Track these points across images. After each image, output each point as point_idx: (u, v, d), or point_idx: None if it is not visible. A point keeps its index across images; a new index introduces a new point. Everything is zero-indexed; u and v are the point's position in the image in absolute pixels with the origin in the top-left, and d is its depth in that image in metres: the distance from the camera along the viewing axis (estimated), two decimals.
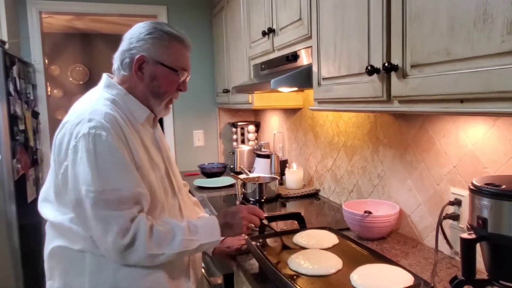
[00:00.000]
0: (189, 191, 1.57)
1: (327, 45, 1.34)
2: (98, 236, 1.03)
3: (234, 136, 3.21)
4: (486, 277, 0.86)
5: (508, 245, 0.78)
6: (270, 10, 1.84)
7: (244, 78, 2.37)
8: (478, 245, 0.83)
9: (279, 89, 1.78)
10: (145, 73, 1.15)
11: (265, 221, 1.30)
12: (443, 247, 1.30)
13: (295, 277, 1.07)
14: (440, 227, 1.26)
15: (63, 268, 1.11)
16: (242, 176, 2.22)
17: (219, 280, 1.53)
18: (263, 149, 2.70)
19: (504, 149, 1.09)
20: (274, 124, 2.90)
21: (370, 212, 1.43)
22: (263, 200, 2.08)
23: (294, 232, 1.39)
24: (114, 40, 1.23)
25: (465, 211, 1.22)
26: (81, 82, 5.73)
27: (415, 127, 1.43)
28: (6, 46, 2.44)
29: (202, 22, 3.27)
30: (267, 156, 2.55)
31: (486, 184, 0.81)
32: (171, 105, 1.27)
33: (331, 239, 1.31)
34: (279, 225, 1.60)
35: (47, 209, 1.13)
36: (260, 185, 2.10)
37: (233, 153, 2.99)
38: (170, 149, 1.37)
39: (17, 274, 2.41)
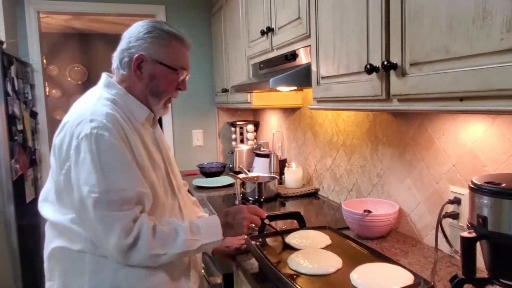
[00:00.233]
0: (188, 191, 1.57)
1: (326, 44, 1.34)
2: (101, 237, 1.02)
3: (233, 136, 3.21)
4: (486, 276, 0.86)
5: (508, 244, 0.78)
6: (269, 9, 1.83)
7: (243, 77, 2.36)
8: (478, 244, 0.83)
9: (278, 88, 1.78)
10: (144, 72, 1.15)
11: (266, 221, 1.30)
12: (442, 245, 1.29)
13: (295, 276, 1.07)
14: (439, 225, 1.26)
15: (62, 269, 1.11)
16: (241, 176, 2.21)
17: (219, 280, 1.53)
18: (262, 149, 2.70)
19: (504, 147, 1.08)
20: (273, 123, 2.89)
21: (369, 211, 1.43)
22: (262, 200, 2.08)
23: (293, 231, 1.39)
24: (112, 40, 1.22)
25: (464, 210, 1.22)
26: (80, 82, 5.72)
27: (414, 126, 1.43)
28: (4, 46, 2.43)
29: (201, 21, 3.27)
30: (266, 156, 2.55)
31: (486, 182, 0.81)
32: (169, 105, 1.26)
33: (324, 239, 1.30)
34: (278, 225, 1.59)
35: (48, 209, 1.13)
36: (259, 184, 2.10)
37: (232, 152, 2.99)
38: (170, 148, 1.37)
39: (16, 275, 2.40)
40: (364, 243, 1.28)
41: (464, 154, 1.22)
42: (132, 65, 1.13)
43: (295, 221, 1.48)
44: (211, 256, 1.46)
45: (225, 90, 2.84)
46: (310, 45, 1.47)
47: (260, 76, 2.02)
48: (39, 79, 3.00)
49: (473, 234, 0.81)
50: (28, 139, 2.71)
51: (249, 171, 2.41)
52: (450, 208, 1.27)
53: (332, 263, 1.13)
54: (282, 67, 1.76)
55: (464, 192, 1.21)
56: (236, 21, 2.46)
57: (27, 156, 2.68)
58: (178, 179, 1.30)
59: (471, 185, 0.83)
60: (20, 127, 2.54)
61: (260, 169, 2.52)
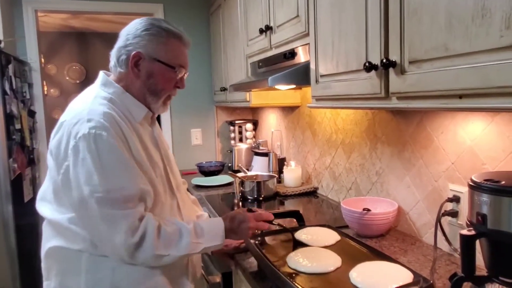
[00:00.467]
0: (187, 190, 1.56)
1: (325, 42, 1.33)
2: (104, 236, 1.02)
3: (232, 135, 3.20)
4: (485, 274, 0.86)
5: (508, 241, 0.78)
6: (267, 8, 1.83)
7: (241, 76, 2.36)
8: (477, 242, 0.83)
9: (277, 86, 1.78)
10: (142, 70, 1.14)
11: (275, 222, 1.30)
12: (442, 244, 1.29)
13: (294, 275, 1.07)
14: (439, 223, 1.26)
15: (59, 268, 1.10)
16: (240, 175, 2.21)
17: (218, 279, 1.53)
18: (261, 147, 2.70)
19: (503, 145, 1.08)
20: (272, 122, 2.89)
21: (368, 210, 1.43)
22: (261, 198, 2.07)
23: (292, 230, 1.39)
24: (110, 39, 1.21)
25: (463, 208, 1.22)
26: (78, 81, 5.71)
27: (413, 124, 1.43)
28: (2, 45, 2.42)
29: (199, 20, 3.26)
30: (265, 154, 2.54)
31: (485, 180, 0.80)
32: (169, 102, 1.25)
33: (333, 236, 1.31)
34: (278, 222, 1.59)
35: (46, 208, 1.12)
36: (258, 183, 2.10)
37: (231, 151, 2.99)
38: (169, 147, 1.36)
39: (14, 274, 2.39)
40: (363, 242, 1.28)
41: (463, 152, 1.21)
42: (130, 62, 1.12)
43: (294, 220, 1.48)
44: (210, 255, 1.46)
45: (223, 89, 2.84)
46: (308, 43, 1.46)
47: (258, 75, 2.02)
48: (37, 78, 2.99)
49: (473, 232, 0.81)
50: (26, 138, 2.71)
51: (248, 170, 2.41)
52: (449, 206, 1.26)
53: (331, 261, 1.12)
54: (281, 65, 1.75)
55: (463, 190, 1.21)
56: (234, 20, 2.46)
57: (25, 155, 2.67)
58: (177, 178, 1.29)
59: (471, 183, 0.83)
60: (18, 126, 2.53)
61: (259, 168, 2.52)
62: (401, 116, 1.50)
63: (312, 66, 1.43)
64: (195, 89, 3.27)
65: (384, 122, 1.60)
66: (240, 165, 2.50)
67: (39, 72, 3.00)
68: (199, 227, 1.14)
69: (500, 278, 0.83)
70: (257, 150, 2.66)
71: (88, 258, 1.06)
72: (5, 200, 2.33)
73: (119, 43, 1.15)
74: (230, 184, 2.50)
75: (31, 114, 2.90)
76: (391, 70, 0.99)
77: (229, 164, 3.02)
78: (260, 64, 2.03)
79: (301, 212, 1.48)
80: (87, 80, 5.56)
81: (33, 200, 1.18)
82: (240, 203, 2.07)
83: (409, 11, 0.92)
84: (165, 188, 1.19)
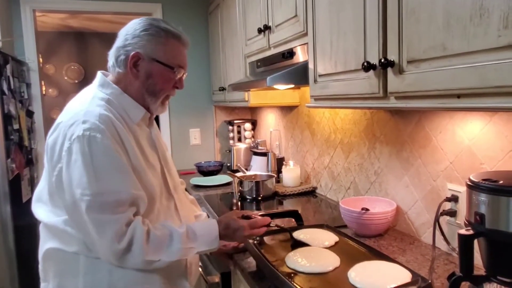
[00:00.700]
0: (186, 190, 1.56)
1: (323, 41, 1.33)
2: (95, 239, 1.01)
3: (231, 134, 3.20)
4: (483, 273, 0.86)
5: (506, 241, 0.78)
6: (266, 7, 1.83)
7: (240, 75, 2.36)
8: (475, 241, 0.83)
9: (275, 86, 1.78)
10: (141, 70, 1.13)
11: (273, 223, 1.30)
12: (440, 243, 1.30)
13: (292, 275, 1.07)
14: (437, 223, 1.26)
15: (57, 270, 1.10)
16: (239, 174, 2.21)
17: (216, 279, 1.52)
18: (259, 147, 2.69)
19: (501, 145, 1.08)
20: (270, 121, 2.89)
21: (367, 209, 1.43)
22: (260, 198, 2.07)
23: (291, 229, 1.39)
24: (109, 39, 1.21)
25: (462, 207, 1.22)
26: (76, 81, 5.70)
27: (411, 124, 1.43)
28: (0, 45, 2.41)
29: (198, 20, 3.26)
30: (264, 154, 2.54)
31: (483, 179, 0.80)
32: (167, 102, 1.25)
33: (331, 237, 1.31)
34: (276, 223, 1.59)
35: (41, 210, 1.12)
36: (257, 183, 2.09)
37: (230, 151, 2.99)
38: (167, 148, 1.36)
39: (12, 275, 2.39)
40: (361, 241, 1.28)
41: (462, 152, 1.22)
42: (128, 63, 1.12)
43: (293, 220, 1.48)
44: (209, 255, 1.45)
45: (222, 89, 2.83)
46: (307, 43, 1.46)
47: (257, 75, 2.02)
48: (35, 78, 2.98)
49: (471, 232, 0.81)
50: (24, 138, 2.70)
51: (246, 169, 2.41)
52: (448, 205, 1.27)
53: (330, 261, 1.12)
54: (279, 65, 1.75)
55: (461, 190, 1.21)
56: (233, 19, 2.46)
57: (23, 156, 2.67)
58: (174, 178, 1.29)
59: (469, 183, 0.83)
60: (16, 126, 2.52)
61: (258, 167, 2.52)
62: (399, 116, 1.50)
63: (311, 65, 1.43)
64: (193, 89, 3.27)
65: (383, 122, 1.60)
66: (238, 164, 2.50)
67: (37, 72, 2.99)
68: (191, 231, 1.12)
69: (498, 277, 0.83)
70: (255, 150, 2.66)
71: (85, 260, 1.06)
72: (3, 200, 2.32)
73: (118, 43, 1.15)
74: (229, 184, 2.50)
75: (29, 114, 2.89)
76: (389, 69, 0.99)
77: (228, 164, 3.02)
78: (259, 63, 2.03)
79: (299, 212, 1.48)
80: (85, 80, 5.55)
81: (31, 200, 1.17)
82: (239, 203, 2.07)
83: (407, 11, 0.92)
84: (162, 190, 1.18)
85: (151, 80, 1.15)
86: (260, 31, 1.88)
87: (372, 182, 1.69)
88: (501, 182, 0.78)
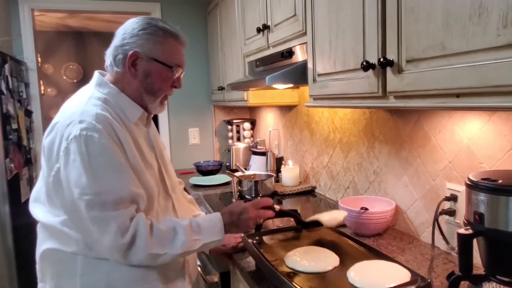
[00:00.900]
0: (184, 189, 1.56)
1: (322, 41, 1.33)
2: (96, 238, 1.01)
3: (230, 134, 3.20)
4: (483, 273, 0.86)
5: (505, 240, 0.78)
6: (265, 7, 1.83)
7: (239, 75, 2.36)
8: (475, 240, 0.83)
9: (274, 85, 1.77)
10: (139, 70, 1.13)
11: (277, 207, 1.29)
12: (439, 242, 1.30)
13: (292, 274, 1.07)
14: (436, 222, 1.26)
15: (54, 271, 1.09)
16: (238, 174, 2.21)
17: (216, 279, 1.52)
18: (258, 147, 2.69)
19: (500, 144, 1.08)
20: (269, 121, 2.89)
21: (366, 209, 1.43)
22: (259, 198, 2.07)
23: (290, 229, 1.39)
24: (108, 38, 1.21)
25: (461, 207, 1.22)
26: (75, 81, 5.69)
27: (410, 123, 1.43)
28: None
29: (197, 19, 3.25)
30: (263, 154, 2.54)
31: (482, 179, 0.80)
32: (166, 102, 1.25)
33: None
34: (275, 223, 1.59)
35: (39, 210, 1.11)
36: (256, 182, 2.09)
37: (229, 150, 2.98)
38: (165, 147, 1.35)
39: (11, 275, 2.38)
40: (361, 241, 1.28)
41: (461, 151, 1.22)
42: (127, 62, 1.11)
43: (292, 219, 1.48)
44: (208, 254, 1.45)
45: (221, 88, 2.83)
46: (306, 42, 1.46)
47: (256, 74, 2.02)
48: (34, 77, 2.98)
49: (470, 231, 0.81)
50: (23, 138, 2.70)
51: (245, 169, 2.41)
52: (447, 205, 1.27)
53: (329, 261, 1.12)
54: (278, 64, 1.75)
55: (460, 189, 1.21)
56: (232, 19, 2.45)
57: (22, 155, 2.66)
58: (172, 178, 1.29)
59: (468, 182, 0.83)
60: (14, 126, 2.52)
61: (257, 167, 2.52)
62: (398, 115, 1.50)
63: (310, 65, 1.43)
64: (192, 89, 3.26)
65: (382, 121, 1.60)
66: (238, 164, 2.50)
67: (35, 71, 2.98)
68: (195, 223, 1.12)
69: (497, 277, 0.83)
70: (255, 150, 2.66)
71: (83, 261, 1.05)
72: (2, 200, 2.32)
73: (115, 42, 1.14)
74: (228, 183, 2.49)
75: (28, 113, 2.89)
76: (388, 69, 0.98)
77: (227, 164, 3.02)
78: (258, 63, 2.03)
79: (299, 211, 1.47)
80: (84, 80, 5.54)
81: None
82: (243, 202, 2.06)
83: (406, 10, 0.92)
84: (159, 189, 1.18)
85: (150, 79, 1.14)
86: (259, 30, 1.88)
87: (371, 181, 1.69)
88: (500, 181, 0.78)
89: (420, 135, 1.38)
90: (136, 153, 1.10)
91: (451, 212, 1.25)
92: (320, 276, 1.06)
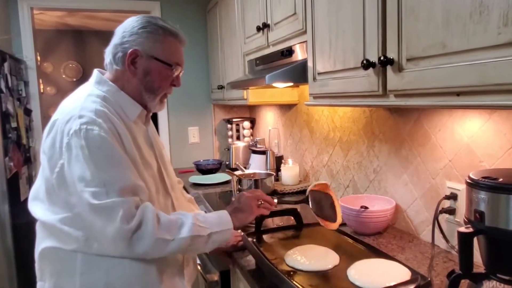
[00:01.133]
0: (184, 188, 1.56)
1: (322, 39, 1.33)
2: (99, 231, 0.99)
3: (229, 133, 3.20)
4: (483, 271, 0.86)
5: (506, 239, 0.78)
6: (265, 5, 1.82)
7: (239, 74, 2.35)
8: (475, 239, 0.83)
9: (274, 84, 1.77)
10: (139, 68, 1.13)
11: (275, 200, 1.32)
12: (439, 241, 1.30)
13: (292, 273, 1.07)
14: (436, 221, 1.26)
15: (53, 269, 1.09)
16: (237, 173, 2.21)
17: (216, 277, 1.52)
18: (258, 145, 2.69)
19: (500, 143, 1.08)
20: (269, 120, 2.89)
21: (366, 207, 1.43)
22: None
23: (290, 228, 1.39)
24: (107, 37, 1.21)
25: (461, 205, 1.22)
26: (74, 79, 5.69)
27: (410, 122, 1.43)
28: None
29: (196, 18, 3.25)
30: (263, 152, 2.54)
31: (483, 177, 0.80)
32: (165, 100, 1.25)
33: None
34: (275, 221, 1.59)
35: (38, 208, 1.11)
36: (256, 181, 2.09)
37: (229, 149, 2.98)
38: (164, 146, 1.35)
39: (11, 274, 2.38)
40: (361, 239, 1.28)
41: (461, 150, 1.21)
42: (126, 60, 1.12)
43: (292, 218, 1.48)
44: (208, 253, 1.45)
45: (221, 87, 2.83)
46: (306, 41, 1.46)
47: (256, 73, 2.01)
48: (33, 76, 2.97)
49: (470, 229, 0.81)
50: (22, 136, 2.69)
51: (245, 168, 2.41)
52: (447, 203, 1.27)
53: (329, 259, 1.12)
54: (278, 63, 1.75)
55: (460, 188, 1.21)
56: (231, 17, 2.45)
57: (22, 154, 2.66)
58: (171, 177, 1.29)
59: (468, 180, 0.83)
60: (14, 125, 2.51)
61: (257, 166, 2.52)
62: (398, 114, 1.50)
63: (310, 63, 1.43)
64: (192, 87, 3.26)
65: (382, 120, 1.60)
66: (237, 163, 2.50)
67: (35, 70, 2.98)
68: (201, 216, 1.13)
69: (498, 275, 0.83)
70: (254, 148, 2.65)
71: (82, 259, 1.05)
72: (1, 199, 2.32)
73: (115, 40, 1.15)
74: (227, 182, 2.49)
75: (27, 112, 2.88)
76: (388, 67, 0.98)
77: (227, 162, 3.01)
78: (258, 62, 2.03)
79: (298, 210, 1.47)
80: (83, 78, 5.53)
81: None
82: None
83: (407, 9, 0.92)
84: (158, 188, 1.18)
85: (149, 78, 1.15)
86: (259, 29, 1.87)
87: (371, 180, 1.69)
88: (500, 180, 0.78)
89: (420, 134, 1.38)
90: (135, 150, 1.10)
91: (451, 211, 1.25)
92: (320, 275, 1.06)
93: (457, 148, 1.23)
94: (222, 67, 2.80)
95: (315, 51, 1.39)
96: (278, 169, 2.39)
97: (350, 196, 1.66)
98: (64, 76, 5.68)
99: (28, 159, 2.83)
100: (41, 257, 1.12)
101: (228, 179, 2.51)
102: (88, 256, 1.05)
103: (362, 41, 1.09)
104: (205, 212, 1.52)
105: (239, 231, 1.38)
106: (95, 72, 1.19)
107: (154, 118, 1.34)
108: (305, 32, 1.46)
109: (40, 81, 3.13)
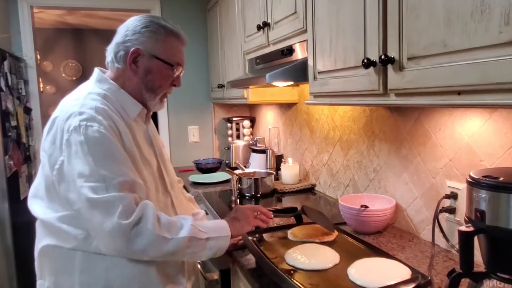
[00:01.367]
0: (184, 187, 1.56)
1: (323, 38, 1.33)
2: (98, 224, 0.98)
3: (229, 132, 3.20)
4: (483, 270, 0.86)
5: (506, 238, 0.78)
6: (265, 4, 1.82)
7: (239, 73, 2.35)
8: (475, 238, 0.83)
9: (274, 83, 1.77)
10: (140, 67, 1.14)
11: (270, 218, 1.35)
12: (439, 240, 1.30)
13: (292, 272, 1.07)
14: (436, 220, 1.26)
15: (53, 267, 1.09)
16: (237, 172, 2.21)
17: (216, 276, 1.52)
18: (258, 144, 2.69)
19: (500, 142, 1.08)
20: (269, 119, 2.88)
21: (366, 206, 1.43)
22: (258, 195, 2.07)
23: (290, 227, 1.39)
24: (107, 36, 1.21)
25: (461, 204, 1.22)
26: (74, 78, 5.68)
27: (410, 121, 1.43)
28: None
29: (197, 16, 3.25)
30: (263, 151, 2.54)
31: (483, 176, 0.80)
32: (165, 99, 1.25)
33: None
34: (274, 220, 1.59)
35: (37, 206, 1.11)
36: (256, 180, 2.09)
37: (229, 148, 2.98)
38: (164, 145, 1.36)
39: (10, 273, 2.38)
40: (361, 238, 1.28)
41: (461, 149, 1.22)
42: (128, 58, 1.12)
43: (292, 218, 1.48)
44: None
45: (221, 86, 2.83)
46: (306, 40, 1.46)
47: (256, 72, 2.01)
48: (33, 74, 2.97)
49: (471, 228, 0.81)
50: (22, 135, 2.69)
51: (245, 167, 2.41)
52: (447, 202, 1.27)
53: (329, 258, 1.12)
54: (279, 62, 1.75)
55: (460, 187, 1.21)
56: (232, 16, 2.45)
57: (21, 153, 2.66)
58: (171, 175, 1.29)
59: (469, 179, 0.83)
60: (13, 123, 2.51)
61: (257, 165, 2.52)
62: (398, 113, 1.50)
63: (310, 62, 1.43)
64: (192, 86, 3.26)
65: (382, 119, 1.60)
66: (237, 162, 2.50)
67: (35, 68, 2.98)
68: (200, 223, 1.15)
69: (498, 274, 0.83)
70: (254, 147, 2.66)
71: (81, 257, 1.05)
72: (1, 197, 2.32)
73: (117, 39, 1.15)
74: (227, 181, 2.49)
75: (27, 111, 2.88)
76: (389, 66, 0.98)
77: (227, 161, 3.01)
78: (258, 60, 2.02)
79: (298, 209, 1.47)
80: (83, 77, 5.50)
81: None
82: (238, 200, 2.07)
83: (408, 7, 0.92)
84: (158, 186, 1.18)
85: (150, 77, 1.15)
86: (259, 28, 1.87)
87: (371, 179, 1.69)
88: (501, 178, 0.78)
89: (420, 133, 1.38)
90: (135, 148, 1.10)
91: (451, 210, 1.25)
92: (320, 274, 1.06)
93: (457, 147, 1.23)
94: (222, 66, 2.80)
95: (316, 50, 1.38)
96: (278, 168, 2.39)
97: (350, 195, 1.66)
98: (63, 74, 5.67)
99: (28, 157, 2.83)
100: (40, 255, 1.12)
101: (228, 178, 2.51)
102: (88, 254, 1.05)
103: (362, 40, 1.09)
104: (205, 211, 1.52)
105: None
106: (96, 70, 1.19)
107: (154, 117, 1.34)
108: (305, 31, 1.46)
109: (40, 79, 3.13)
